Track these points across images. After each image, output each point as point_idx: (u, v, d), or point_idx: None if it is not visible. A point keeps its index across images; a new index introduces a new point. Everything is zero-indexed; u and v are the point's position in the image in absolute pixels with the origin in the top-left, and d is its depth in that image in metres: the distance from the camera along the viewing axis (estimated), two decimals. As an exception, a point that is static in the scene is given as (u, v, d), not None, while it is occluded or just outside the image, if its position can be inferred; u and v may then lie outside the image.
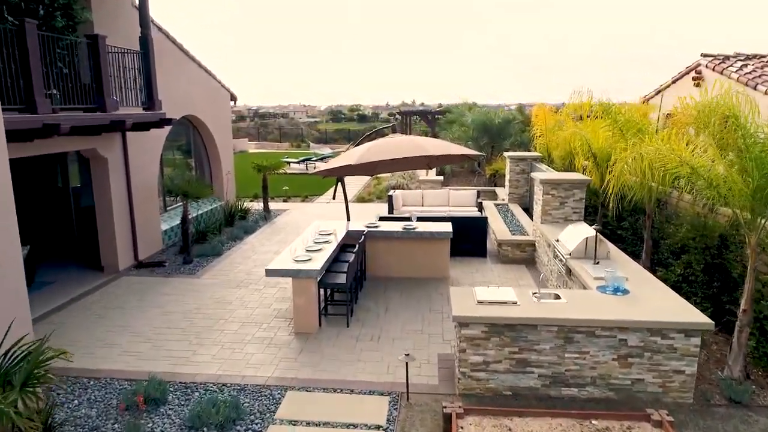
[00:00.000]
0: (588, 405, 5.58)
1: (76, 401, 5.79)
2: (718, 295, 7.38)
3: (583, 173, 11.68)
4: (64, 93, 7.79)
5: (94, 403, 5.76)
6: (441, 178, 19.23)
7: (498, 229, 11.58)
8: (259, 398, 5.81)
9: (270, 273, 7.44)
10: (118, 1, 10.06)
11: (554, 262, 8.82)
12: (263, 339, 7.29)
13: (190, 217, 12.51)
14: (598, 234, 7.57)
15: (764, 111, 6.23)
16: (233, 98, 15.88)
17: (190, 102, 13.13)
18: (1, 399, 4.01)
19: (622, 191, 8.53)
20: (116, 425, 5.36)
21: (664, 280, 7.99)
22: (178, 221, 11.99)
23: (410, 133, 37.61)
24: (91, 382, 6.17)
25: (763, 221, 5.79)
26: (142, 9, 9.82)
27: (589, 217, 11.11)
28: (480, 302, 5.93)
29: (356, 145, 9.87)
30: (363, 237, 9.18)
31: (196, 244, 11.84)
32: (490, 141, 21.95)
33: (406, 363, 5.70)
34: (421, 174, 19.16)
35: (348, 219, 11.12)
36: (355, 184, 22.22)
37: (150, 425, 5.34)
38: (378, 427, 5.28)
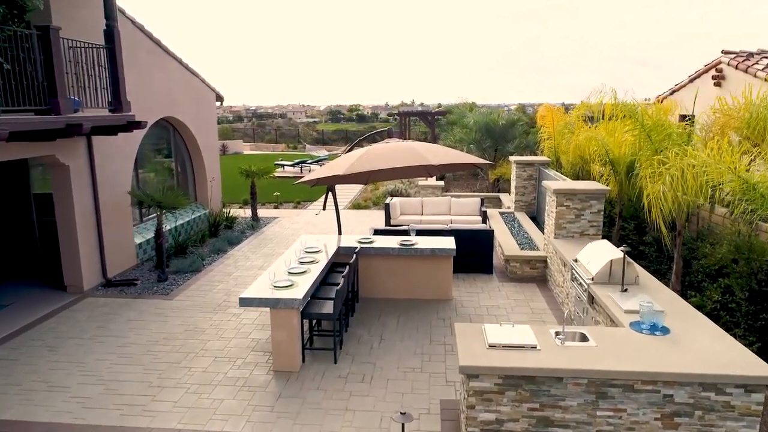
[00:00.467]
0: (626, 476, 4.55)
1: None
2: None
3: (598, 181, 10.64)
4: (7, 93, 6.73)
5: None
6: (442, 183, 18.17)
7: (505, 243, 10.53)
8: (223, 465, 4.76)
9: (244, 303, 6.36)
10: (82, -11, 9.01)
11: (571, 284, 7.77)
12: (237, 380, 6.23)
13: (167, 228, 11.47)
14: (626, 256, 6.52)
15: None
16: (219, 98, 14.81)
17: (169, 103, 12.07)
18: None
19: (650, 203, 7.51)
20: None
21: (699, 307, 6.97)
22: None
23: (409, 135, 36.49)
24: (22, 441, 5.12)
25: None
26: (108, -2, 8.76)
27: (604, 228, 10.07)
28: (492, 346, 4.88)
29: (348, 152, 8.78)
30: (355, 255, 8.12)
31: (175, 258, 10.80)
32: (494, 143, 20.75)
33: (402, 424, 4.65)
34: (421, 179, 18.11)
35: (339, 232, 10.03)
36: (350, 189, 21.15)
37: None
38: None
